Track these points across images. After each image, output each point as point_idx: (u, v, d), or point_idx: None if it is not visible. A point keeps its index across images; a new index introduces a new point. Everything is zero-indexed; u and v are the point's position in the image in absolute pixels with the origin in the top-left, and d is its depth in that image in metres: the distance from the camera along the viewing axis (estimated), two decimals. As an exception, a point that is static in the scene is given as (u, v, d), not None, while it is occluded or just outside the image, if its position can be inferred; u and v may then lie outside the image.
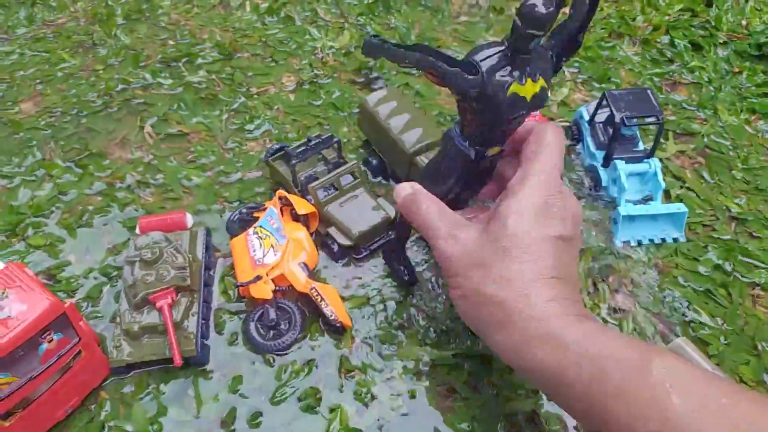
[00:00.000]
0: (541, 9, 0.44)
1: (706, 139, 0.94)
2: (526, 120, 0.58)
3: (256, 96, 1.01)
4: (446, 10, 1.19)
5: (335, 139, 0.81)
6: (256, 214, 0.80)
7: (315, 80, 1.04)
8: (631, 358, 0.45)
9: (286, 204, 0.78)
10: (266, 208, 0.78)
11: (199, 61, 1.07)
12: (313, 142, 0.80)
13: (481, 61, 0.49)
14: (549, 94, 0.53)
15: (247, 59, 1.08)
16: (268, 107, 0.99)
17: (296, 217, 0.79)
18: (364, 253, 0.78)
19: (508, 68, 0.49)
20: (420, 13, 1.19)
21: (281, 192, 0.78)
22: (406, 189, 0.61)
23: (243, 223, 0.80)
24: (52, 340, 0.58)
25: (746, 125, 0.97)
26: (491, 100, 0.50)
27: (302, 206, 0.77)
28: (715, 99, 1.00)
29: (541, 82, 0.51)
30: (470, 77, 0.49)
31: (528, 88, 0.50)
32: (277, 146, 0.87)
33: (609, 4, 1.19)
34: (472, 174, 0.60)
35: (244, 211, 0.81)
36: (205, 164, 0.90)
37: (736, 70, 1.05)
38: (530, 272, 0.51)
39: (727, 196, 0.87)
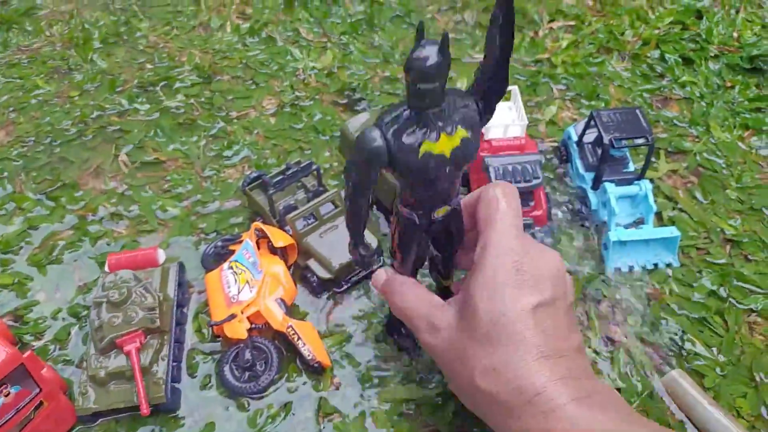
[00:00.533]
0: (424, 62, 0.42)
1: (698, 158, 0.91)
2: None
3: (235, 120, 0.98)
4: (431, 28, 1.16)
5: (314, 167, 0.79)
6: (232, 248, 0.77)
7: (296, 102, 1.01)
8: None
9: (262, 236, 0.75)
10: (242, 241, 0.75)
11: (178, 84, 1.04)
12: (290, 171, 0.77)
13: (386, 125, 0.46)
14: (477, 142, 0.50)
15: (227, 82, 1.05)
16: (248, 132, 0.96)
17: (274, 250, 0.76)
18: (346, 286, 0.75)
19: (415, 128, 0.46)
20: (405, 31, 1.16)
21: (257, 224, 0.75)
22: (380, 277, 0.61)
23: (218, 257, 0.77)
24: (9, 393, 0.55)
25: (739, 142, 0.94)
26: (405, 164, 0.47)
27: (279, 238, 0.74)
28: (708, 115, 0.97)
29: (461, 133, 0.48)
30: (374, 145, 0.46)
31: (443, 144, 0.47)
32: (254, 174, 0.84)
33: (597, 18, 1.16)
34: (431, 238, 0.59)
35: (219, 244, 0.78)
36: (182, 193, 0.87)
37: (729, 84, 1.03)
38: (516, 359, 0.47)
39: (722, 217, 0.84)
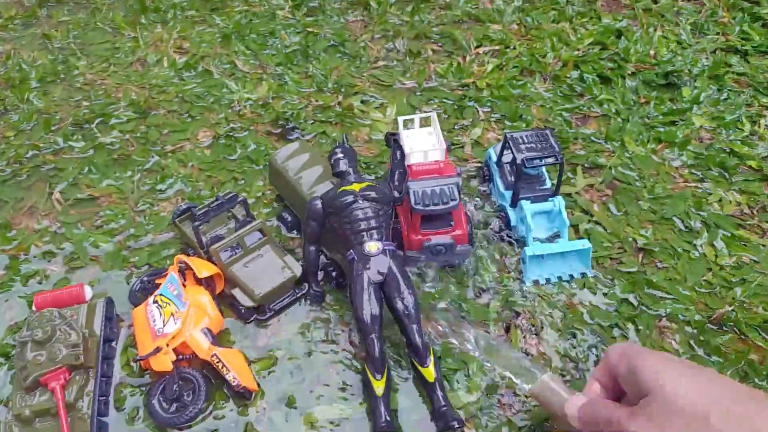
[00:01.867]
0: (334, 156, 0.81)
1: (613, 171, 0.96)
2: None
3: (170, 154, 1.01)
4: (364, 56, 1.20)
5: (239, 198, 0.81)
6: (158, 281, 0.78)
7: (231, 134, 1.04)
8: None
9: (187, 268, 0.77)
10: (167, 274, 0.77)
11: (113, 121, 1.06)
12: (215, 203, 0.80)
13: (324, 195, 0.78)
14: (387, 191, 0.78)
15: (162, 116, 1.07)
16: (182, 164, 0.99)
17: (200, 280, 0.78)
18: (269, 314, 0.77)
19: (337, 185, 0.78)
20: (338, 60, 1.20)
21: (179, 256, 0.77)
22: (577, 401, 0.60)
23: (145, 291, 0.78)
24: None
25: (653, 155, 0.99)
26: (330, 205, 0.76)
27: (203, 269, 0.76)
28: (623, 130, 1.03)
29: (366, 183, 0.77)
30: (315, 205, 0.77)
31: (354, 186, 0.76)
32: (184, 206, 0.86)
33: (521, 42, 1.22)
34: (377, 278, 0.71)
35: (145, 279, 0.79)
36: (114, 229, 0.89)
37: (643, 100, 1.08)
38: None
39: (634, 227, 0.88)
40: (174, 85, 1.14)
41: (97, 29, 1.29)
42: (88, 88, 1.14)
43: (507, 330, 0.77)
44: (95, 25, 1.30)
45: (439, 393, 0.69)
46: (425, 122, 0.89)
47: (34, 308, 0.74)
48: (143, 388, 0.71)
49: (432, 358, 0.69)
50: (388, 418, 0.66)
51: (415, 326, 0.70)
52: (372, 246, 0.73)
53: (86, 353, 0.68)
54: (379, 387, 0.68)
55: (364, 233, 0.74)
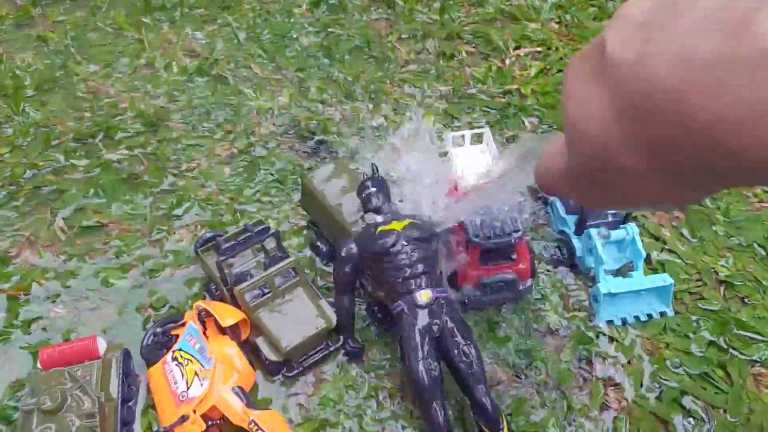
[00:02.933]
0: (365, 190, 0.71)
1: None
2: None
3: (186, 173, 0.90)
4: (394, 60, 1.10)
5: (271, 232, 0.71)
6: (174, 332, 0.68)
7: (251, 150, 0.93)
8: None
9: (208, 315, 0.67)
10: (185, 323, 0.67)
11: (120, 135, 0.95)
12: (242, 237, 0.69)
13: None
14: (430, 227, 0.67)
15: (174, 129, 0.97)
16: (200, 186, 0.88)
17: (224, 329, 0.67)
18: (298, 370, 0.67)
19: (371, 226, 0.68)
20: (365, 62, 1.10)
21: (199, 303, 0.67)
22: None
23: (160, 345, 0.68)
24: None
25: (722, 170, 0.89)
26: (367, 249, 0.66)
27: (227, 315, 0.66)
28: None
29: (410, 221, 0.67)
30: (349, 250, 0.68)
31: (394, 225, 0.66)
32: (209, 235, 0.76)
33: (564, 42, 1.12)
34: (432, 333, 0.61)
35: (158, 330, 0.69)
36: (128, 263, 0.79)
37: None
38: None
39: (712, 256, 0.79)
40: (185, 93, 1.03)
41: (98, 30, 1.17)
42: (90, 97, 1.03)
43: (584, 381, 0.67)
44: (95, 25, 1.18)
45: None
46: (478, 138, 0.79)
47: (39, 366, 0.63)
48: (170, 461, 0.61)
49: (505, 423, 0.60)
50: None
51: (481, 386, 0.60)
52: (423, 295, 0.63)
53: (103, 423, 0.58)
54: None
55: (412, 280, 0.64)
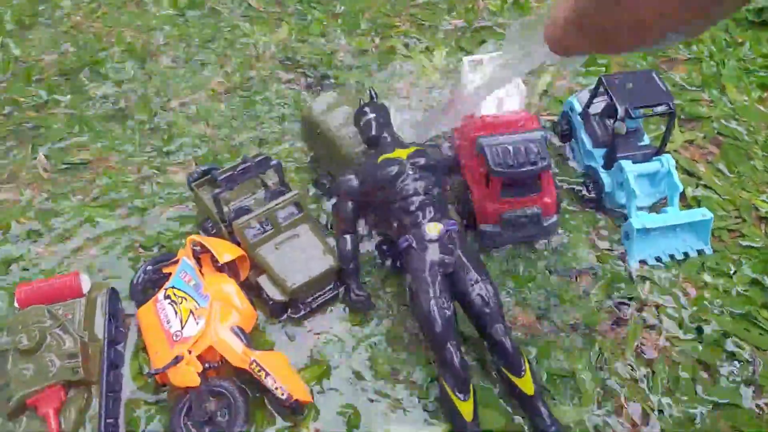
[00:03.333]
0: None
1: (716, 124, 0.80)
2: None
3: (177, 109, 0.83)
4: (401, -8, 1.02)
5: (272, 163, 0.64)
6: (166, 270, 0.62)
7: (249, 85, 0.86)
8: None
9: (203, 251, 0.61)
10: (178, 261, 0.61)
11: (106, 69, 0.88)
12: (240, 167, 0.63)
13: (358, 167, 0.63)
14: (436, 153, 0.62)
15: (165, 64, 0.89)
16: (193, 121, 0.81)
17: (221, 266, 0.61)
18: (304, 311, 0.61)
19: (373, 154, 0.62)
20: (370, -4, 1.02)
21: (192, 238, 0.60)
22: None
23: (150, 284, 0.62)
24: None
25: (759, 104, 0.82)
26: (371, 180, 0.60)
27: (224, 251, 0.60)
28: (720, 75, 0.86)
29: (416, 147, 0.61)
30: (348, 182, 0.62)
31: (398, 153, 0.60)
32: (204, 168, 0.69)
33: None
34: (444, 269, 0.56)
35: (149, 268, 0.63)
36: (115, 200, 0.72)
37: (739, 40, 0.91)
38: None
39: (751, 192, 0.72)
40: (177, 27, 0.95)
41: (83, -35, 1.09)
42: (74, 32, 0.95)
43: (616, 324, 0.61)
44: (80, -40, 1.10)
45: (543, 409, 0.53)
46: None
47: (16, 304, 0.57)
48: (162, 405, 0.56)
49: (527, 365, 0.54)
50: None
51: (499, 325, 0.55)
52: (432, 228, 0.57)
53: (86, 364, 0.52)
54: (466, 411, 0.52)
55: (419, 212, 0.58)
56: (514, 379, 0.54)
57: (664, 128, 0.68)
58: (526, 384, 0.53)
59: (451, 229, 0.57)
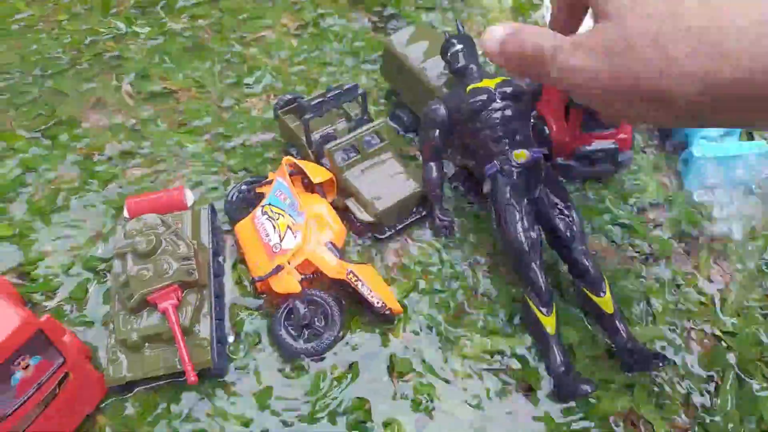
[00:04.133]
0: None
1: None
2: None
3: (252, 43, 0.85)
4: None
5: (360, 91, 0.67)
6: (259, 190, 0.65)
7: (320, 21, 0.88)
8: None
9: (295, 173, 0.64)
10: (271, 181, 0.64)
11: (180, 3, 0.90)
12: (331, 94, 0.66)
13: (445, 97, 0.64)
14: (522, 85, 0.61)
15: (236, 1, 0.91)
16: (268, 56, 0.84)
17: (311, 187, 0.65)
18: (389, 233, 0.65)
19: (459, 84, 0.63)
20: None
21: (288, 159, 0.64)
22: (497, 31, 0.44)
23: (245, 202, 0.66)
24: (27, 366, 0.45)
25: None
26: (458, 110, 0.61)
27: (317, 173, 0.63)
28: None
29: (500, 78, 0.61)
30: (435, 109, 0.62)
31: (486, 83, 0.61)
32: (288, 96, 0.72)
33: None
34: (529, 195, 0.59)
35: (243, 188, 0.66)
36: (200, 127, 0.75)
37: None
38: None
39: (818, 136, 0.74)
40: (246, -36, 0.97)
41: None
42: (146, -34, 0.97)
43: (687, 254, 0.64)
44: None
45: (621, 326, 0.56)
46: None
47: (126, 214, 0.61)
48: (261, 311, 0.60)
49: (607, 285, 0.57)
50: (564, 359, 0.55)
51: (583, 247, 0.58)
52: (520, 155, 0.59)
53: (199, 268, 0.56)
54: (549, 324, 0.56)
55: (506, 140, 0.59)
56: (594, 298, 0.57)
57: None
58: (606, 303, 0.56)
59: (537, 155, 0.59)
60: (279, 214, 0.61)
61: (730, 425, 0.53)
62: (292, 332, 0.57)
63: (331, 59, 0.83)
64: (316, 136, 0.67)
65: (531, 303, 0.56)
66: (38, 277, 0.62)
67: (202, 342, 0.53)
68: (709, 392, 0.55)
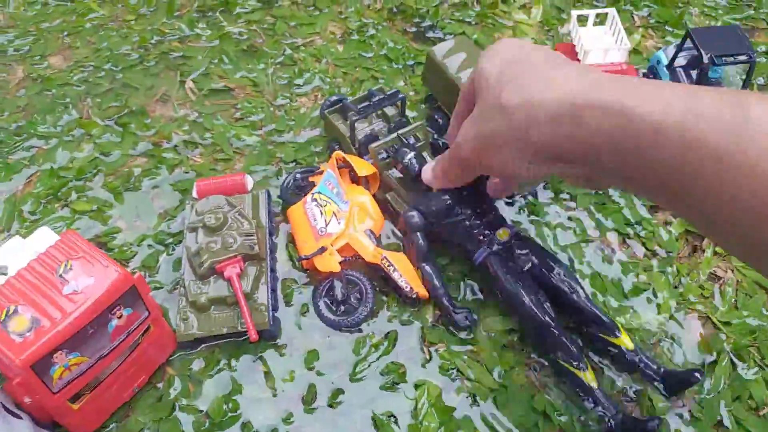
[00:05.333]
0: None
1: (792, 89, 0.87)
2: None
3: (302, 47, 0.94)
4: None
5: (400, 96, 0.75)
6: (311, 179, 0.74)
7: (363, 30, 0.96)
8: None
9: (343, 166, 0.72)
10: (322, 172, 0.72)
11: (238, 9, 0.99)
12: (376, 98, 0.73)
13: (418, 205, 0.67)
14: None
15: (288, 7, 1.00)
16: (316, 60, 0.92)
17: (355, 180, 0.73)
18: None
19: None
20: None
21: (339, 153, 0.72)
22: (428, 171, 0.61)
23: (298, 189, 0.74)
24: (122, 315, 0.53)
25: (834, 74, 0.89)
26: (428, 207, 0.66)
27: (363, 167, 0.71)
28: (799, 45, 0.93)
29: None
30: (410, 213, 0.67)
31: None
32: (334, 98, 0.80)
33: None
34: (522, 266, 0.63)
35: (298, 176, 0.74)
36: (255, 122, 0.84)
37: (819, 14, 0.97)
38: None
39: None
40: (297, -25, 1.05)
41: None
42: (206, -25, 1.06)
43: (693, 251, 0.71)
44: None
45: (645, 357, 0.59)
46: (601, 19, 0.80)
47: (194, 194, 0.70)
48: (308, 286, 0.68)
49: (619, 324, 0.60)
50: (616, 408, 0.57)
51: (583, 294, 0.60)
52: (502, 234, 0.63)
53: (259, 243, 0.64)
54: (590, 378, 0.57)
55: (483, 226, 0.63)
56: (612, 340, 0.59)
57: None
58: (624, 341, 0.59)
59: (514, 229, 0.64)
60: (327, 201, 0.70)
61: (723, 402, 0.60)
62: (332, 306, 0.65)
63: (373, 64, 0.91)
64: (359, 135, 0.75)
65: (563, 363, 0.58)
66: (114, 247, 0.71)
67: (260, 307, 0.62)
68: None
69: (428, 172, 0.61)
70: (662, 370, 0.59)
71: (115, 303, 0.52)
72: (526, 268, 0.62)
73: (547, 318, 0.58)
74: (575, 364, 0.57)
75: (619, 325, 0.60)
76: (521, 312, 0.60)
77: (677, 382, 0.58)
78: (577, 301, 0.60)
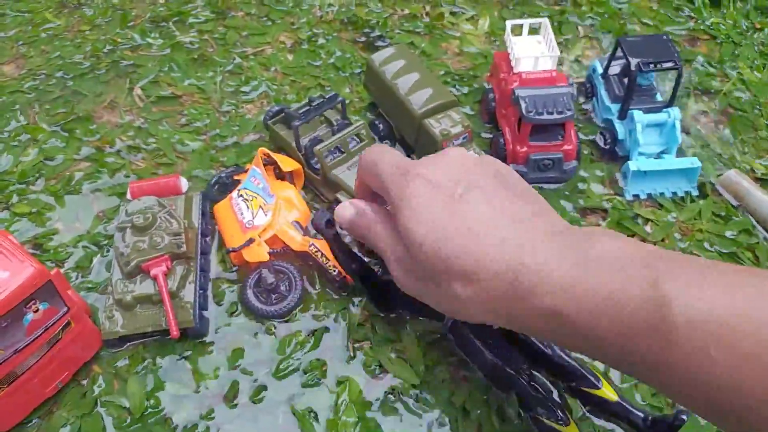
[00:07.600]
0: None
1: (728, 98, 0.89)
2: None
3: (251, 57, 0.96)
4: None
5: (339, 99, 0.76)
6: (237, 177, 0.75)
7: (314, 39, 0.98)
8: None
9: (268, 163, 0.74)
10: (247, 170, 0.74)
11: (191, 20, 1.01)
12: (316, 102, 0.75)
13: None
14: None
15: (241, 18, 1.02)
16: (265, 68, 0.94)
17: (280, 176, 0.75)
18: None
19: None
20: (423, -31, 1.13)
21: (263, 149, 0.73)
22: (346, 212, 0.54)
23: (223, 187, 0.75)
24: (38, 310, 0.54)
25: (769, 82, 0.92)
26: None
27: (287, 164, 0.73)
28: (736, 56, 0.95)
29: None
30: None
31: None
32: (276, 108, 0.82)
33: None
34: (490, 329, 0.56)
35: (223, 175, 0.76)
36: (200, 128, 0.85)
37: (757, 26, 1.00)
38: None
39: (752, 156, 0.82)
40: (252, -13, 1.08)
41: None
42: (162, -13, 1.08)
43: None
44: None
45: (630, 406, 0.54)
46: (534, 29, 0.82)
47: (128, 196, 0.71)
48: (238, 283, 0.69)
49: (600, 374, 0.55)
50: None
51: (558, 350, 0.55)
52: None
53: (187, 243, 0.65)
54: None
55: None
56: (594, 392, 0.54)
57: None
58: (607, 391, 0.54)
59: None
60: (253, 196, 0.71)
61: None
62: (261, 296, 0.66)
63: (320, 73, 0.93)
64: (304, 140, 0.77)
65: (542, 419, 0.52)
66: (50, 248, 0.72)
67: (186, 305, 0.62)
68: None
69: (345, 215, 0.55)
70: (649, 418, 0.55)
71: (31, 297, 0.53)
72: (494, 327, 0.54)
73: (509, 362, 0.54)
74: (551, 417, 0.52)
75: (599, 375, 0.55)
76: (480, 365, 0.57)
77: (665, 429, 0.53)
78: (550, 356, 0.54)
